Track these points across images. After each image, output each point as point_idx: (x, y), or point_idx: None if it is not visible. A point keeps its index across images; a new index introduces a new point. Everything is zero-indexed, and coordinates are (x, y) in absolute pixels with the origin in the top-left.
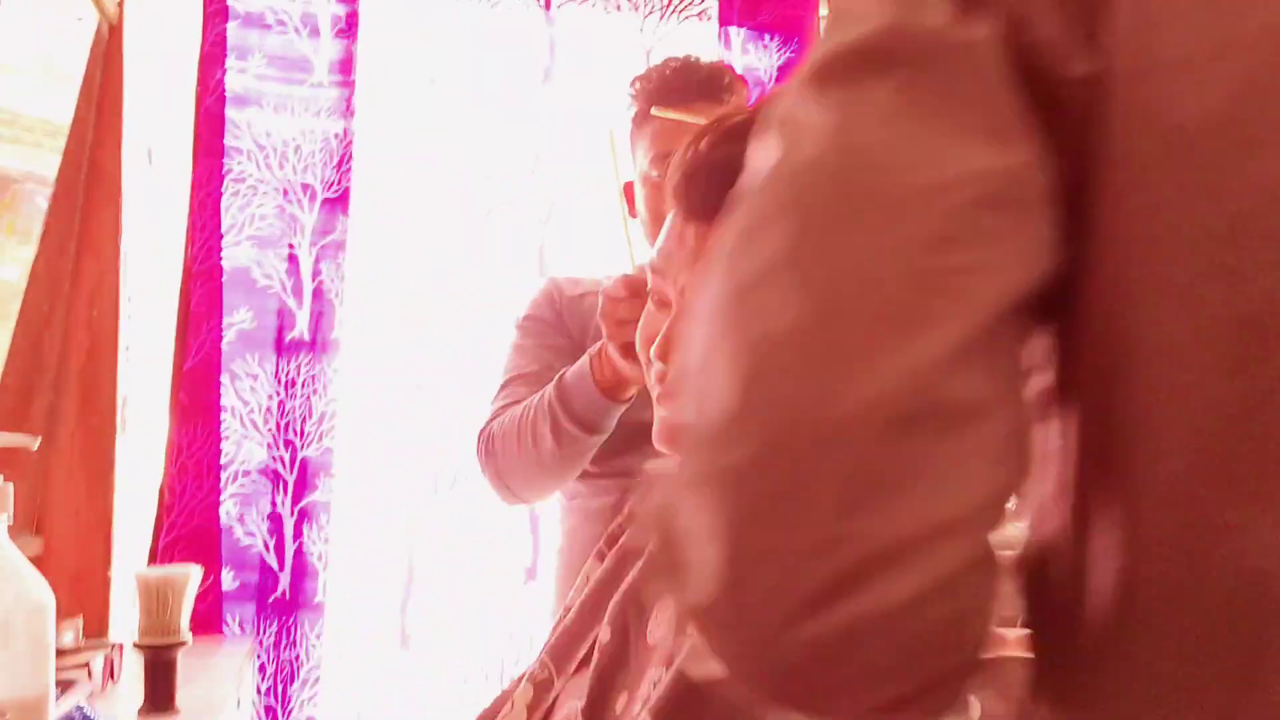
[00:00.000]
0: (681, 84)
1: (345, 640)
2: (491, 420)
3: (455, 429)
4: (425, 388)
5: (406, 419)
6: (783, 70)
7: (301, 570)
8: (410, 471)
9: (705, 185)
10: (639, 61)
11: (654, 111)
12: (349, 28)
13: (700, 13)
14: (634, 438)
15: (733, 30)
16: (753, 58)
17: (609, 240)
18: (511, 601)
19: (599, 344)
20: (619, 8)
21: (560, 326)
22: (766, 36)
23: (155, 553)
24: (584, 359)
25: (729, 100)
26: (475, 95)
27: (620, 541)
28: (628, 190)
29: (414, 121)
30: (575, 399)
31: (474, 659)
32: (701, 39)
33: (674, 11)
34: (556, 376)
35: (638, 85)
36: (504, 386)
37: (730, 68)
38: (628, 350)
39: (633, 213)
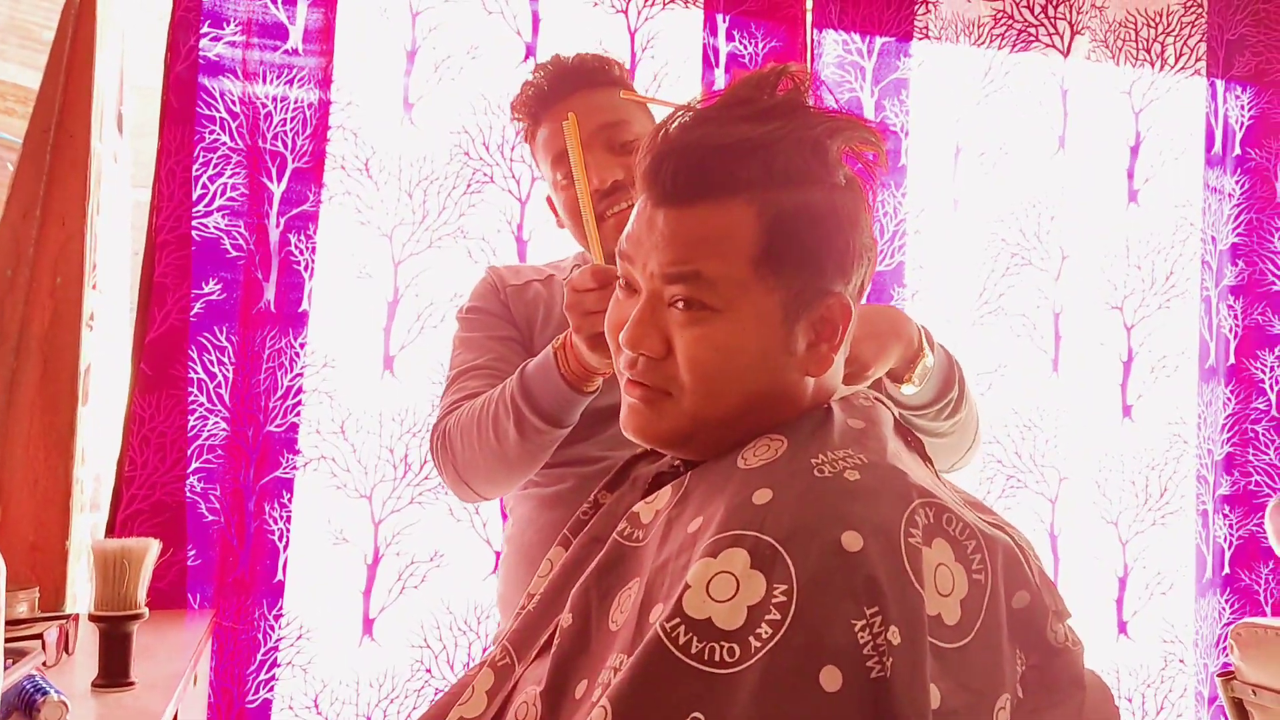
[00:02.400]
0: (551, 86)
1: (305, 623)
2: (446, 416)
3: (424, 410)
4: (395, 365)
5: (374, 397)
6: (768, 57)
7: (261, 549)
8: (377, 452)
9: (674, 170)
10: (623, 44)
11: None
12: None
13: None
14: (589, 425)
15: (719, 17)
16: (738, 44)
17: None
18: (478, 589)
19: (563, 335)
20: None
21: (507, 317)
22: (753, 23)
23: (114, 526)
24: (547, 351)
25: (604, 80)
26: (456, 69)
27: (586, 528)
28: (550, 204)
29: (392, 94)
30: (539, 392)
31: (438, 648)
32: (687, 24)
33: None
34: (518, 369)
35: (518, 104)
36: (454, 381)
37: (597, 55)
38: (595, 341)
39: (560, 224)
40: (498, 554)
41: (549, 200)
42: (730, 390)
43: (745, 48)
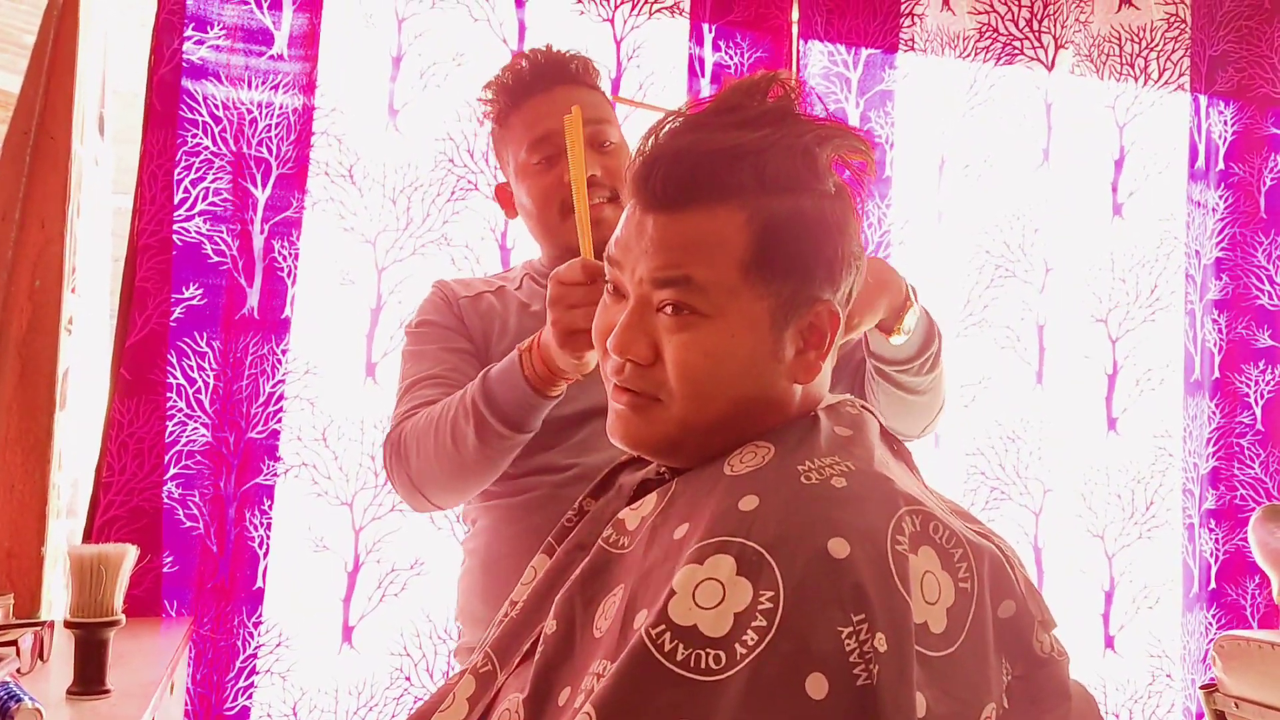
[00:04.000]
0: (537, 75)
1: (284, 631)
2: (401, 424)
3: None
4: (377, 373)
5: (356, 404)
6: (754, 67)
7: (241, 556)
8: (358, 459)
9: (665, 175)
10: (609, 53)
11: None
12: (312, 1)
13: (672, 6)
14: (557, 432)
15: (705, 27)
16: (724, 54)
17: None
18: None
19: (530, 339)
20: None
21: (461, 330)
22: (738, 34)
23: (91, 532)
24: (512, 355)
25: (586, 81)
26: (441, 77)
27: (571, 535)
28: (500, 194)
29: (377, 100)
30: (502, 395)
31: (417, 656)
32: (673, 33)
33: (645, 4)
34: (481, 374)
35: (493, 88)
36: (407, 391)
37: (579, 54)
38: (573, 338)
39: (511, 213)
40: None
41: (502, 190)
42: (718, 396)
43: (731, 58)
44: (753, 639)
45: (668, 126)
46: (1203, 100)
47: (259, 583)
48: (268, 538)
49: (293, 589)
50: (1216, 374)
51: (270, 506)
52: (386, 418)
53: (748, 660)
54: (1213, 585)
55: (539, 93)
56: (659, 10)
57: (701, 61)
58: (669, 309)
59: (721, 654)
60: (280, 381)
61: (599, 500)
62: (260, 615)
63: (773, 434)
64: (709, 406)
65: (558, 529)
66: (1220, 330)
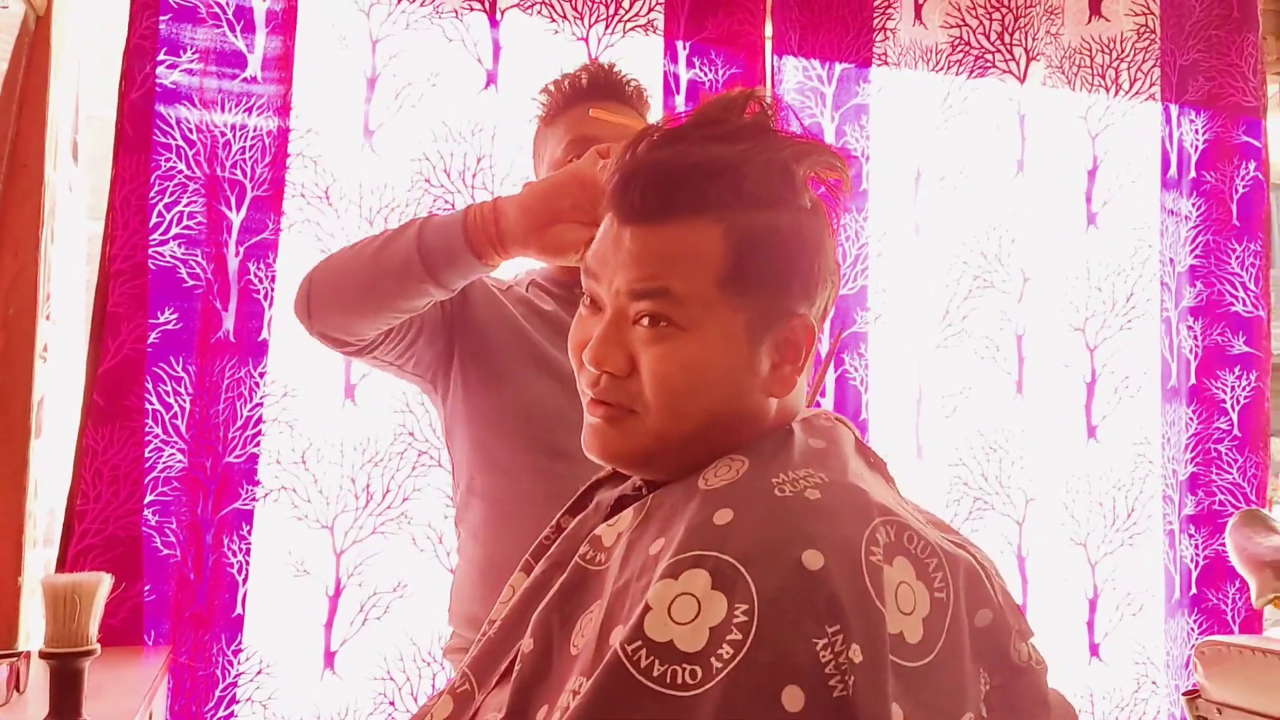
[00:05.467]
0: (593, 86)
1: (264, 658)
2: None
3: (386, 439)
4: (356, 394)
5: (336, 426)
6: (729, 84)
7: (220, 583)
8: (338, 481)
9: (643, 188)
10: None
11: (592, 113)
12: (285, 23)
13: (646, 24)
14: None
15: (679, 44)
16: (698, 71)
17: None
18: (442, 620)
19: (495, 199)
20: (565, 17)
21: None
22: (713, 50)
23: (64, 561)
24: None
25: (636, 106)
26: (417, 97)
27: (548, 554)
28: None
29: (352, 121)
30: (438, 225)
31: (401, 680)
32: (647, 51)
33: (619, 22)
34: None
35: (551, 89)
36: None
37: (637, 81)
38: (548, 234)
39: None
40: None
41: None
42: (694, 408)
43: (705, 74)
44: (728, 653)
45: (645, 140)
46: (1174, 109)
47: (238, 609)
48: (247, 563)
49: (273, 615)
50: (1193, 380)
51: (249, 531)
52: (366, 439)
53: (723, 674)
54: (1194, 591)
55: (591, 100)
56: (633, 28)
57: (676, 78)
58: (645, 321)
59: (697, 668)
60: (258, 405)
61: (576, 517)
62: (240, 642)
63: (747, 447)
64: (685, 419)
65: (535, 546)
66: (1196, 337)
